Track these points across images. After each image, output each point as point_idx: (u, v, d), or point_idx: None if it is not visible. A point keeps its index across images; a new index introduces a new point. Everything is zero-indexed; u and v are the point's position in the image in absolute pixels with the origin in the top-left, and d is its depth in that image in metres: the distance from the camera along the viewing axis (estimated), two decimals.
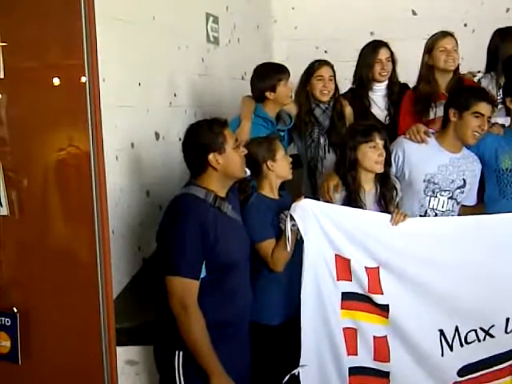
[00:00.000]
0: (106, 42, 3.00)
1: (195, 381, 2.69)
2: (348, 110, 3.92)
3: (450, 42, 3.76)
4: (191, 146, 2.78)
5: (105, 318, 2.75)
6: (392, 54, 3.97)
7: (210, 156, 2.72)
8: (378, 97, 3.97)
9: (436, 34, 3.84)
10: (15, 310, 2.74)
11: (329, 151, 3.83)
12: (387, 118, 3.95)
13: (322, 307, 3.01)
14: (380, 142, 3.12)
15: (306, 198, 3.00)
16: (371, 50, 3.95)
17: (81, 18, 2.51)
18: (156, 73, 3.85)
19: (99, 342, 2.74)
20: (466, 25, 5.35)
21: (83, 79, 2.58)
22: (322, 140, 3.84)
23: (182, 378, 2.71)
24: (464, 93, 3.38)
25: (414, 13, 5.61)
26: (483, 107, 3.22)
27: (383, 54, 3.93)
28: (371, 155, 3.12)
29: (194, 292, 2.65)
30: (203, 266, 2.68)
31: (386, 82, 3.97)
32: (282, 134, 3.76)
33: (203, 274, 2.69)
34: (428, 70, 3.80)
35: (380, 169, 3.15)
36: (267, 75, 3.69)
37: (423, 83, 3.79)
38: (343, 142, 3.27)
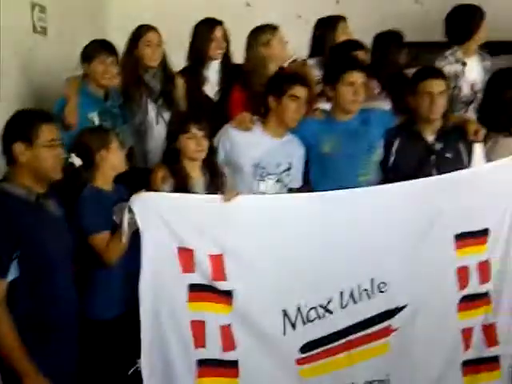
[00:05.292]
0: None
1: None
2: (180, 82, 4.18)
3: (281, 36, 4.16)
4: (4, 131, 2.82)
5: None
6: (226, 32, 4.27)
7: (15, 145, 2.75)
8: (211, 73, 4.25)
9: (262, 26, 4.19)
10: None
11: (160, 116, 4.05)
12: (218, 93, 4.24)
13: (167, 301, 3.19)
14: (198, 133, 3.35)
15: (146, 191, 3.14)
16: (207, 27, 4.23)
17: None
18: None
19: None
20: (299, 16, 5.68)
21: None
22: (151, 105, 4.06)
23: None
24: (279, 78, 3.73)
25: (247, 4, 5.88)
26: (298, 90, 3.60)
27: (219, 32, 4.21)
28: (190, 145, 3.35)
29: (1, 291, 2.64)
30: (14, 264, 2.68)
31: (219, 60, 4.26)
32: (115, 110, 3.92)
33: (16, 275, 2.69)
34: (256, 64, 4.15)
35: (201, 156, 3.39)
36: (86, 47, 3.87)
37: (252, 77, 4.12)
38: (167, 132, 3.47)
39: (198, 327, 3.23)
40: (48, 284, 2.78)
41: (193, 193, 3.34)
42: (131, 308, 3.12)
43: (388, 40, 4.51)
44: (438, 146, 3.72)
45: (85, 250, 3.09)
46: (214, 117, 3.80)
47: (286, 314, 3.32)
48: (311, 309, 3.35)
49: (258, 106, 3.94)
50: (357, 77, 3.64)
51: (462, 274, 3.49)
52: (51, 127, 2.84)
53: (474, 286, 3.51)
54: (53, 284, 2.79)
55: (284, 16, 5.25)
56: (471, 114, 4.32)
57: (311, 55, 4.52)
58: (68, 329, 2.88)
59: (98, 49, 3.85)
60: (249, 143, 3.62)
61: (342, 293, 3.37)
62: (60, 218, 2.92)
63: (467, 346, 3.53)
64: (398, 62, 4.48)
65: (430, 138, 3.74)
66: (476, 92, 4.39)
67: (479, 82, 4.40)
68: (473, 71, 4.42)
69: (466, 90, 4.39)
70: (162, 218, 3.14)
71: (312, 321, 3.36)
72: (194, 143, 3.34)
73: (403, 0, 5.89)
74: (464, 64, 4.38)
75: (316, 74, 4.29)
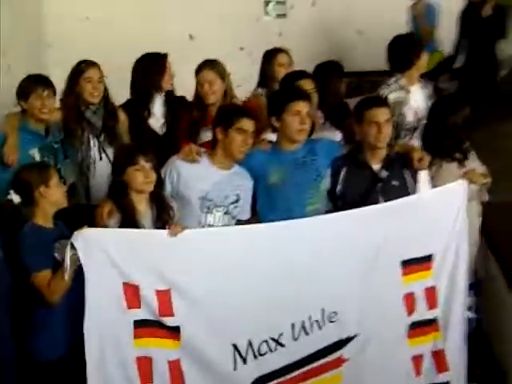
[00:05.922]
0: None
1: None
2: (122, 117, 4.18)
3: (208, 74, 4.17)
4: None
5: None
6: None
7: None
8: (156, 107, 4.27)
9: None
10: None
11: (103, 152, 4.02)
12: (163, 126, 4.27)
13: (112, 338, 3.13)
14: (146, 164, 3.32)
15: (89, 227, 3.08)
16: (156, 61, 4.29)
17: None
18: None
19: None
20: (242, 48, 5.77)
21: None
22: (93, 141, 4.03)
23: None
24: (227, 111, 3.76)
25: (191, 37, 5.94)
26: (245, 123, 3.63)
27: (168, 64, 4.30)
28: (138, 177, 3.32)
29: None
30: None
31: (163, 93, 4.31)
32: (56, 146, 3.90)
33: None
34: (197, 98, 4.23)
35: (149, 188, 3.36)
36: (21, 83, 3.86)
37: (195, 109, 4.21)
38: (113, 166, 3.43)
39: (145, 364, 3.18)
40: None
41: (140, 226, 3.30)
42: (75, 346, 3.07)
43: (329, 70, 4.61)
44: (384, 174, 3.77)
45: (26, 288, 3.03)
46: (160, 150, 3.79)
47: (236, 348, 3.29)
48: (262, 342, 3.33)
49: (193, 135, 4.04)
50: (302, 106, 3.68)
51: (409, 300, 3.53)
52: None
53: (421, 312, 3.56)
54: None
55: (227, 48, 5.33)
56: (415, 141, 4.42)
57: (259, 86, 4.64)
58: (3, 370, 2.81)
59: (33, 84, 3.83)
60: (196, 175, 3.61)
61: (293, 325, 3.36)
62: None
63: (418, 373, 3.56)
64: (340, 92, 4.57)
65: (376, 166, 3.79)
66: (420, 119, 4.49)
67: (422, 109, 4.50)
68: (416, 98, 4.54)
69: (410, 117, 4.50)
70: (106, 254, 3.09)
71: (264, 354, 3.34)
72: (142, 175, 3.31)
73: (345, 30, 6.04)
74: (408, 91, 4.48)
75: (265, 102, 4.36)
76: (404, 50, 4.50)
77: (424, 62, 4.55)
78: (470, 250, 3.72)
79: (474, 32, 6.37)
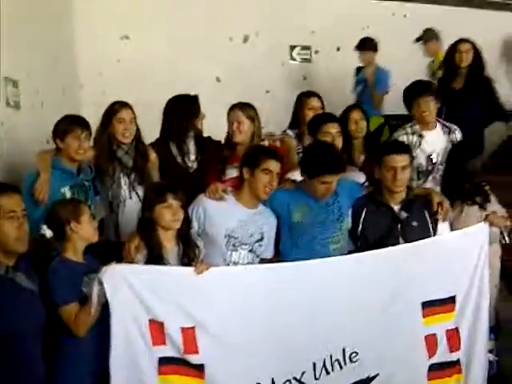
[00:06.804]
0: None
1: None
2: (153, 156, 4.24)
3: (237, 115, 4.26)
4: None
5: None
6: None
7: None
8: (190, 146, 4.34)
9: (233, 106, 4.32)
10: None
11: (133, 190, 4.08)
12: (194, 163, 4.33)
13: (136, 374, 3.14)
14: (174, 202, 3.37)
15: (117, 263, 3.13)
16: (188, 104, 4.36)
17: None
18: None
19: None
20: (267, 91, 5.85)
21: None
22: (124, 180, 4.10)
23: None
24: (254, 152, 3.83)
25: (218, 80, 6.05)
26: (271, 164, 3.68)
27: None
28: (166, 215, 3.36)
29: None
30: None
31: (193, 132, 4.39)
32: (87, 184, 3.96)
33: None
34: (227, 137, 4.36)
35: (176, 225, 3.41)
36: (59, 122, 3.91)
37: (224, 148, 4.36)
38: (143, 203, 3.49)
39: None
40: (11, 355, 2.74)
41: (166, 263, 3.34)
42: (100, 380, 3.09)
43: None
44: (404, 215, 3.80)
45: (54, 320, 3.06)
46: (191, 187, 3.84)
47: None
48: (285, 382, 3.33)
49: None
50: (331, 178, 3.70)
51: (430, 342, 3.53)
52: (10, 199, 2.83)
53: (443, 354, 3.55)
54: (17, 356, 2.76)
55: (252, 91, 5.42)
56: (430, 184, 4.47)
57: (290, 127, 4.76)
58: None
59: (71, 124, 3.89)
60: (222, 213, 3.67)
61: (315, 364, 3.37)
62: (31, 291, 2.91)
63: None
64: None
65: (396, 207, 3.83)
66: (435, 163, 4.53)
67: (439, 154, 4.55)
68: (432, 142, 4.57)
69: (422, 161, 4.54)
70: (133, 290, 3.13)
71: None
72: (170, 213, 3.36)
73: None
74: (421, 136, 4.53)
75: (294, 144, 4.54)
76: (406, 97, 4.61)
77: (420, 109, 4.51)
78: (491, 293, 3.72)
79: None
